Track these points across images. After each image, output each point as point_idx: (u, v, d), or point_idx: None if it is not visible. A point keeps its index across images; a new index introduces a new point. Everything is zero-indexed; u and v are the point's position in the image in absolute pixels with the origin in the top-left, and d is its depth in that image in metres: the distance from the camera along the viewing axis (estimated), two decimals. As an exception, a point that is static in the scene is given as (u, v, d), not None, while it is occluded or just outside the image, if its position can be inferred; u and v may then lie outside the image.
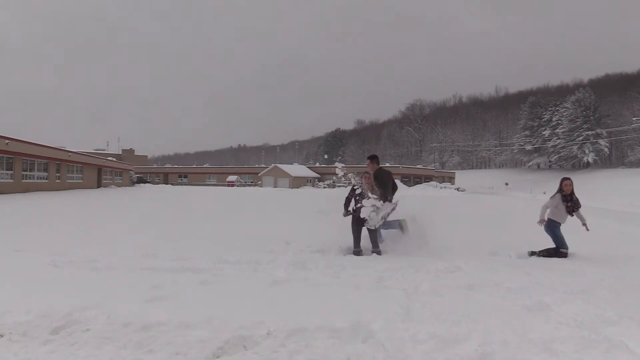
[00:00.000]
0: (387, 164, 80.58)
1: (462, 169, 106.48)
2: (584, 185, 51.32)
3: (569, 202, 6.83)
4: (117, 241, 7.62)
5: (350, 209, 7.12)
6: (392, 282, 4.68)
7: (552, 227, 6.82)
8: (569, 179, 6.98)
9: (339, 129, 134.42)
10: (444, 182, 66.47)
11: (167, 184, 69.12)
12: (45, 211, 14.68)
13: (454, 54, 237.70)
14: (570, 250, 6.70)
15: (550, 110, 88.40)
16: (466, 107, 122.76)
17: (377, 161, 7.36)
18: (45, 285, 4.37)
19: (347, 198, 7.23)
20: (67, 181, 35.16)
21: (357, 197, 7.11)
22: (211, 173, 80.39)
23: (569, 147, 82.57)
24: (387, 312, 3.58)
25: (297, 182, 66.47)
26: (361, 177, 7.27)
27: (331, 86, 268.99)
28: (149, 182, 64.45)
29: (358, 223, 6.93)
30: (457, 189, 53.13)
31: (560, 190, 6.91)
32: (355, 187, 7.13)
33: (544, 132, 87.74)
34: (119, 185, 47.70)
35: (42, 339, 3.17)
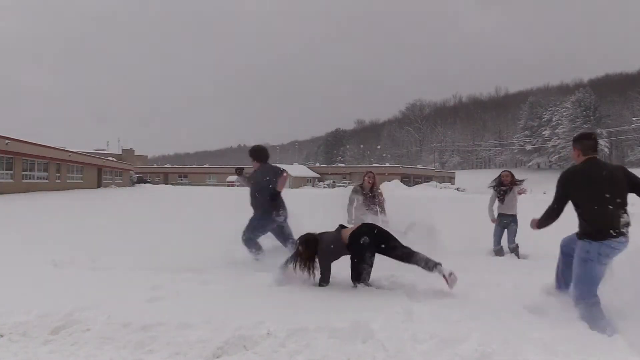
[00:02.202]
0: (387, 164, 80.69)
1: (462, 169, 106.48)
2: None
3: (502, 192, 7.17)
4: (117, 241, 7.62)
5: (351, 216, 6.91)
6: (392, 282, 4.67)
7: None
8: (507, 171, 7.46)
9: (339, 129, 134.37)
10: (444, 182, 66.47)
11: (167, 184, 69.10)
12: (46, 211, 14.68)
13: (454, 54, 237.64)
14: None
15: (550, 110, 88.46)
16: (466, 107, 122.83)
17: (583, 146, 3.66)
18: (45, 285, 4.37)
19: (348, 207, 6.87)
20: (67, 181, 35.17)
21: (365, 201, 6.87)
22: (211, 173, 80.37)
23: (569, 147, 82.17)
24: (387, 312, 3.58)
25: (297, 182, 66.48)
26: (363, 177, 7.09)
27: (331, 86, 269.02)
28: (149, 182, 64.42)
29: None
30: (458, 189, 53.12)
31: (498, 184, 7.26)
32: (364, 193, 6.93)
33: (544, 132, 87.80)
34: (119, 185, 47.70)
35: (42, 339, 3.17)
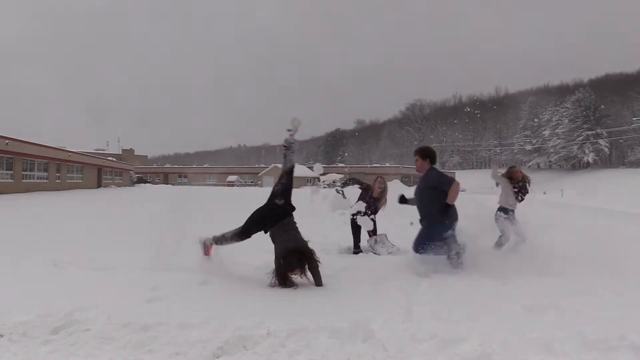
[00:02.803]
0: (387, 164, 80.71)
1: (462, 169, 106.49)
2: (584, 185, 51.32)
3: (517, 187, 6.92)
4: (118, 241, 7.62)
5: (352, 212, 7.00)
6: (392, 282, 4.68)
7: (499, 217, 6.89)
8: (515, 166, 7.25)
9: (339, 129, 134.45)
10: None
11: (167, 183, 69.08)
12: (46, 211, 14.68)
13: (454, 54, 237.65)
14: (569, 251, 6.68)
15: (550, 110, 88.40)
16: (466, 107, 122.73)
17: None
18: (46, 285, 4.37)
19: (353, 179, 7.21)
20: (67, 181, 35.17)
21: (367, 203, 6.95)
22: (211, 173, 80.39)
23: (569, 147, 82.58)
24: (387, 312, 3.58)
25: (297, 182, 66.38)
26: (374, 182, 7.12)
27: (331, 86, 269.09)
28: (149, 182, 64.45)
29: (357, 224, 6.92)
30: (457, 189, 53.04)
31: (509, 176, 7.01)
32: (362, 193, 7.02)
33: (544, 132, 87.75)
34: (119, 185, 47.71)
35: (42, 339, 3.17)
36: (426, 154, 5.42)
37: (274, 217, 4.82)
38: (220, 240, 5.11)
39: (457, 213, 5.30)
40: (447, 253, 5.17)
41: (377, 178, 7.13)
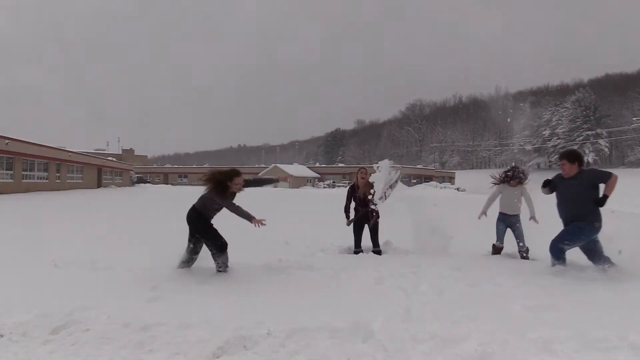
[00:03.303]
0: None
1: (462, 169, 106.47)
2: (584, 185, 51.19)
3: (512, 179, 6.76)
4: (118, 241, 7.62)
5: (351, 213, 6.98)
6: (392, 282, 4.68)
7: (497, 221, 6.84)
8: (517, 167, 7.04)
9: (339, 129, 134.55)
10: (444, 182, 66.49)
11: (167, 184, 69.04)
12: (46, 211, 14.68)
13: (454, 54, 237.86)
14: (569, 251, 6.66)
15: (550, 110, 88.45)
16: (466, 107, 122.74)
17: None
18: (46, 285, 4.37)
19: (345, 206, 7.06)
20: (67, 181, 35.18)
21: (357, 201, 6.96)
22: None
23: (569, 147, 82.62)
24: (387, 312, 3.58)
25: (297, 182, 66.46)
26: (356, 174, 7.16)
27: (331, 86, 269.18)
28: (149, 182, 64.42)
29: (359, 223, 6.91)
30: (458, 189, 53.14)
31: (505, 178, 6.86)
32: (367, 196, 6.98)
33: (544, 132, 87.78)
34: (118, 185, 47.70)
35: (42, 339, 3.17)
36: (574, 157, 5.51)
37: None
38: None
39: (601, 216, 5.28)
40: (594, 258, 5.20)
41: (359, 170, 7.15)
